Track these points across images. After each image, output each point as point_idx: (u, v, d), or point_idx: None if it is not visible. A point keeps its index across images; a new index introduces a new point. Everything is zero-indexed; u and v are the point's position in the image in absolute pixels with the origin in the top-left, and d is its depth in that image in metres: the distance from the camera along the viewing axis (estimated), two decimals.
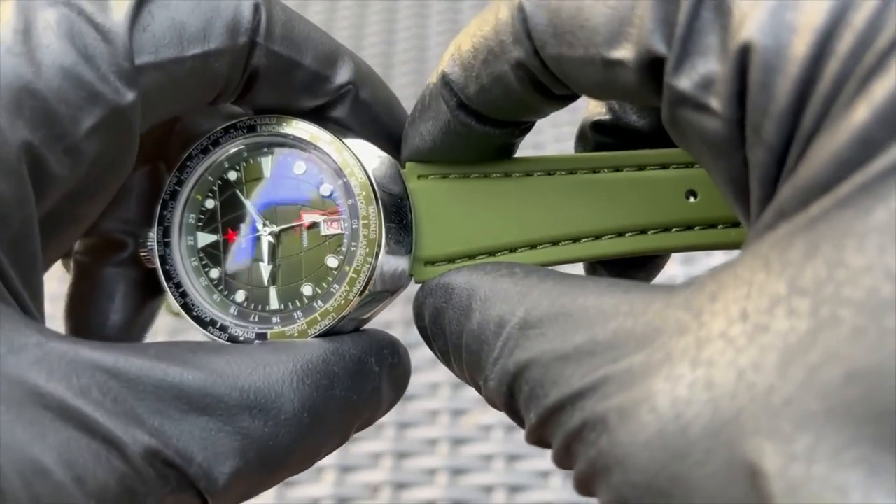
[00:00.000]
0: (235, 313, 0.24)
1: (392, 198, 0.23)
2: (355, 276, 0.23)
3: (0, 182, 0.18)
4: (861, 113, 0.15)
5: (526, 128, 0.23)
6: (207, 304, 0.24)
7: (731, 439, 0.15)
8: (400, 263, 0.23)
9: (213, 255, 0.24)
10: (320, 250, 0.23)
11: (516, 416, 0.20)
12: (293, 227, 0.24)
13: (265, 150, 0.24)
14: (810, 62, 0.16)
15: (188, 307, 0.24)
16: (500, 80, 0.21)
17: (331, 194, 0.23)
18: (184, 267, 0.24)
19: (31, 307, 0.19)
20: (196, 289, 0.24)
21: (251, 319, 0.24)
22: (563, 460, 0.18)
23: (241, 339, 0.23)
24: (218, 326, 0.23)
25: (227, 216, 0.24)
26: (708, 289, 0.17)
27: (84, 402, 0.18)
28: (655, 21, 0.18)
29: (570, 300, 0.19)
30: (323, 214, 0.23)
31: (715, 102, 0.17)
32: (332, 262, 0.23)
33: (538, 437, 0.19)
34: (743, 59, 0.17)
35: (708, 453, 0.15)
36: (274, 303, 0.23)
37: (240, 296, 0.24)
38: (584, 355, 0.18)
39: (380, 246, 0.23)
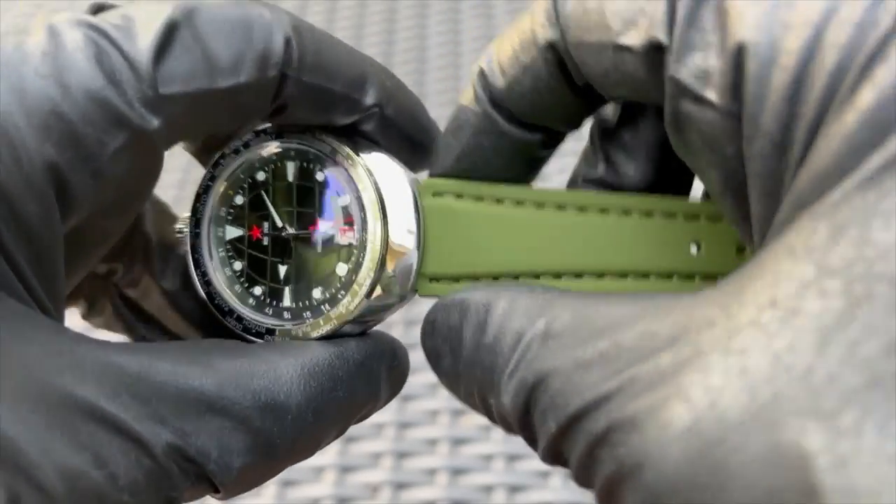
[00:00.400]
0: (253, 305, 0.25)
1: (403, 212, 0.24)
2: (358, 287, 0.24)
3: (28, 203, 0.19)
4: (867, 97, 0.16)
5: (554, 140, 0.24)
6: (228, 295, 0.25)
7: (771, 423, 0.15)
8: (405, 276, 0.24)
9: (239, 248, 0.25)
10: (332, 258, 0.24)
11: (530, 435, 0.20)
12: (309, 232, 0.24)
13: (292, 155, 0.25)
14: (806, 53, 0.16)
15: (211, 295, 0.25)
16: (529, 69, 0.22)
17: (347, 206, 0.24)
18: (211, 257, 0.25)
19: (55, 318, 0.20)
20: (220, 279, 0.25)
21: (265, 313, 0.24)
22: (585, 470, 0.18)
23: (253, 331, 0.24)
24: (235, 317, 0.24)
25: (254, 214, 0.25)
26: (733, 284, 0.17)
27: (114, 405, 0.19)
28: (664, 13, 0.18)
29: (593, 311, 0.19)
30: (337, 224, 0.24)
31: (712, 94, 0.18)
32: (341, 269, 0.24)
33: (555, 451, 0.19)
34: (739, 55, 0.17)
35: (746, 438, 0.15)
36: (287, 301, 0.24)
37: (257, 290, 0.25)
38: (608, 360, 0.18)
39: (383, 262, 0.23)
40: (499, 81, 0.22)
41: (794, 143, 0.17)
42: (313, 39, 0.23)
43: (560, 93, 0.22)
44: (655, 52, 0.19)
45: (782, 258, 0.16)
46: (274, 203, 0.25)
